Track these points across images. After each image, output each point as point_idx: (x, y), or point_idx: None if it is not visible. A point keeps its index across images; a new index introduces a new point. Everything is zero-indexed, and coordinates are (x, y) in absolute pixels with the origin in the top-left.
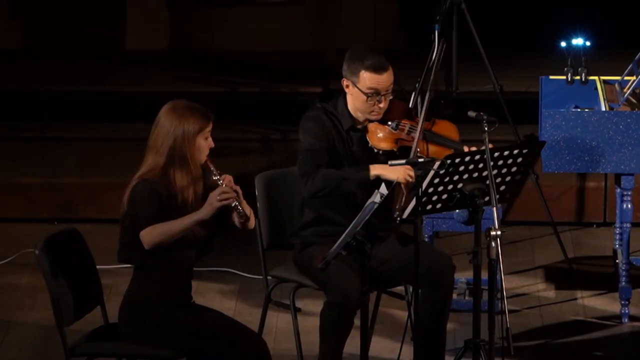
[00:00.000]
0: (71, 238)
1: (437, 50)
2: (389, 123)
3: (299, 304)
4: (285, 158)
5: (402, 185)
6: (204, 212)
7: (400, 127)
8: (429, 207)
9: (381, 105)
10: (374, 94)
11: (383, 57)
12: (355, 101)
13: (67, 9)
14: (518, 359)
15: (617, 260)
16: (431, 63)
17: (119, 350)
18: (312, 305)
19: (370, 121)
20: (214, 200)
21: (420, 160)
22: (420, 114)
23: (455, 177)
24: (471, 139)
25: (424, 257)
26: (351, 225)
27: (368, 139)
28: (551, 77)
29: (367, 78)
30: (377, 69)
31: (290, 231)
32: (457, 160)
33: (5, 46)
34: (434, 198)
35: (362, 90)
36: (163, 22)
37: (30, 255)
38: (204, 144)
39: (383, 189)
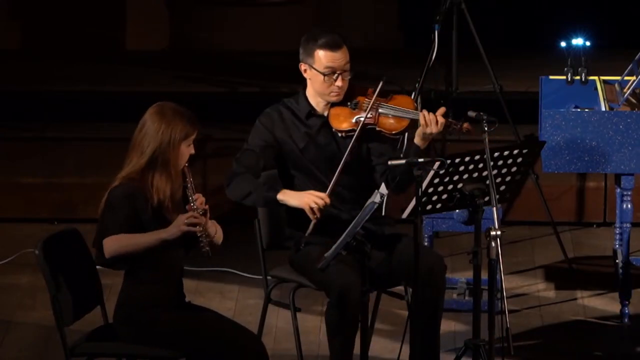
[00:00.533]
0: (71, 238)
1: (436, 52)
2: (348, 104)
3: (298, 303)
4: None
5: (308, 212)
6: (170, 232)
7: (358, 105)
8: (429, 207)
9: (339, 84)
10: (331, 72)
11: (337, 36)
12: (314, 84)
13: (67, 9)
14: (518, 359)
15: (617, 260)
16: (431, 63)
17: (118, 350)
18: (312, 305)
19: (332, 106)
20: (181, 224)
21: (420, 160)
22: (377, 89)
23: (455, 177)
24: (471, 138)
25: (413, 256)
26: (351, 225)
27: (330, 124)
28: (551, 77)
29: (322, 57)
30: (331, 47)
31: (282, 236)
32: (457, 160)
33: (5, 46)
34: (434, 198)
35: (318, 70)
36: (163, 22)
37: (30, 255)
38: (186, 151)
39: (383, 189)
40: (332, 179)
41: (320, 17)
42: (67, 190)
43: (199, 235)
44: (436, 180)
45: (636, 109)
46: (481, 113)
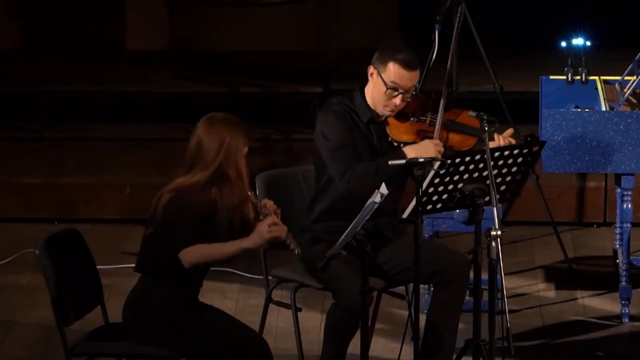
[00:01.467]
0: (71, 238)
1: (436, 52)
2: (410, 116)
3: (299, 303)
4: (286, 158)
5: (434, 154)
6: (253, 241)
7: (422, 118)
8: (429, 207)
9: (397, 102)
10: (394, 88)
11: (415, 57)
12: (374, 90)
13: (67, 8)
14: (518, 359)
15: (617, 260)
16: (431, 63)
17: (119, 350)
18: (313, 305)
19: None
20: (264, 232)
21: (421, 160)
22: (441, 103)
23: (456, 177)
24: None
25: (438, 255)
26: (351, 225)
27: (389, 133)
28: (551, 77)
29: (394, 71)
30: (406, 66)
31: (298, 226)
32: (457, 160)
33: (5, 46)
34: (434, 198)
35: (385, 81)
36: (163, 22)
37: (30, 255)
38: (244, 161)
39: (383, 189)
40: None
41: (320, 17)
42: (67, 190)
43: (284, 239)
44: (436, 180)
45: (636, 109)
46: (481, 113)
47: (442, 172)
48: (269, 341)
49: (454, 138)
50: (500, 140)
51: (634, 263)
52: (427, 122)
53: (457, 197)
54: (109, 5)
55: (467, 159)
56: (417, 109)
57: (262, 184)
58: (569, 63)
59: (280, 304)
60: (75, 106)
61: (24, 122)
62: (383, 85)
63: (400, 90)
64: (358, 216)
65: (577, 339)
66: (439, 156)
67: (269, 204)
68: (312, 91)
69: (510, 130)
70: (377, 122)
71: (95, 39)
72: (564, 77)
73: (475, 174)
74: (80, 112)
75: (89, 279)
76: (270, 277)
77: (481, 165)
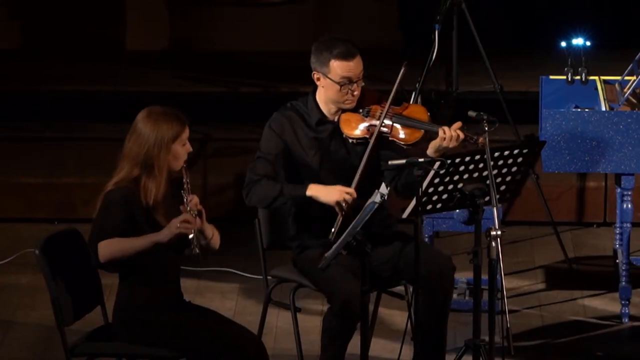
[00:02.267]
0: (71, 238)
1: (436, 52)
2: (360, 111)
3: (299, 303)
4: None
5: (336, 208)
6: (162, 235)
7: (370, 113)
8: (429, 207)
9: (355, 93)
10: (347, 82)
11: (350, 44)
12: (327, 93)
13: (67, 8)
14: (518, 359)
15: (617, 260)
16: (431, 63)
17: (118, 350)
18: (312, 305)
19: (343, 111)
20: (173, 226)
21: (421, 160)
22: (390, 97)
23: (456, 177)
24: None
25: (423, 258)
26: (351, 225)
27: (341, 129)
28: (551, 77)
29: (337, 67)
30: (346, 56)
31: (285, 236)
32: (458, 160)
33: (5, 46)
34: (434, 198)
35: (334, 80)
36: (163, 22)
37: (30, 255)
38: (181, 150)
39: (383, 189)
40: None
41: (320, 17)
42: (67, 190)
43: (190, 237)
44: (436, 180)
45: (636, 109)
46: (481, 113)
47: (442, 172)
48: (268, 341)
49: (400, 131)
50: (447, 131)
51: (634, 263)
52: (377, 116)
53: (457, 197)
54: (109, 5)
55: (467, 159)
56: (367, 103)
57: None
58: (569, 63)
59: (279, 304)
60: (75, 106)
61: (24, 122)
62: (335, 85)
63: (354, 80)
64: (358, 216)
65: (577, 339)
66: (343, 204)
67: (195, 201)
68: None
69: (458, 123)
70: (326, 122)
71: (95, 39)
72: (564, 77)
73: (475, 174)
74: (80, 112)
75: (89, 279)
76: (269, 277)
77: (481, 165)
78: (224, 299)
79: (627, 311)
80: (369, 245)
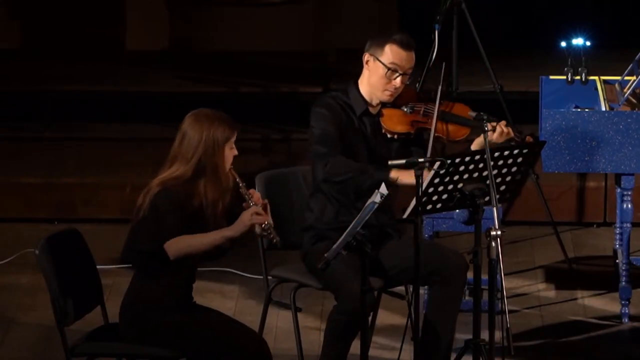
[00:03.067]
0: (71, 238)
1: (436, 52)
2: (403, 107)
3: (299, 303)
4: (286, 158)
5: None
6: (235, 229)
7: (415, 109)
8: (429, 207)
9: (397, 84)
10: (395, 70)
11: (411, 39)
12: (372, 77)
13: (67, 8)
14: (518, 359)
15: (617, 260)
16: (431, 63)
17: (119, 350)
18: (313, 305)
19: (384, 106)
20: (246, 219)
21: (421, 160)
22: (437, 95)
23: (456, 177)
24: (471, 139)
25: (436, 255)
26: (351, 225)
27: (382, 124)
28: (551, 77)
29: (392, 52)
30: (404, 45)
31: (301, 226)
32: (457, 160)
33: (5, 46)
34: (434, 198)
35: (384, 63)
36: (163, 22)
37: (30, 255)
38: (230, 153)
39: (383, 189)
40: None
41: (320, 17)
42: (67, 190)
43: (265, 228)
44: (436, 180)
45: (636, 109)
46: (481, 113)
47: (442, 172)
48: (269, 341)
49: (450, 128)
50: (497, 127)
51: (634, 263)
52: (421, 112)
53: (457, 197)
54: (109, 5)
55: (467, 159)
56: (409, 100)
57: (262, 184)
58: (569, 63)
59: (280, 304)
60: (75, 106)
61: (24, 122)
62: (382, 68)
63: (400, 71)
64: (358, 216)
65: (577, 339)
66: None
67: (256, 195)
68: (312, 91)
69: (504, 121)
70: (371, 115)
71: (95, 39)
72: (564, 77)
73: (475, 174)
74: (80, 112)
75: (89, 279)
76: (270, 277)
77: (481, 165)
78: (224, 299)
79: (627, 311)
80: (369, 245)
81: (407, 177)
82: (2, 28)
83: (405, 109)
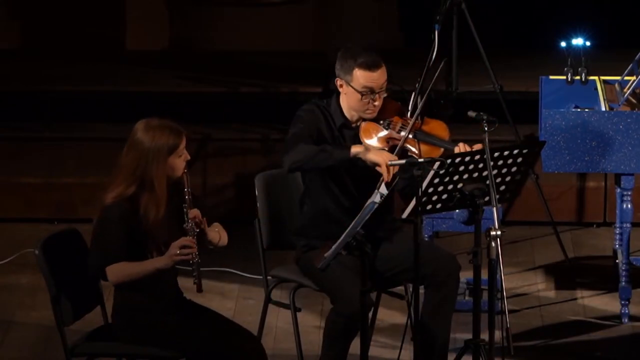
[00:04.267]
0: (71, 238)
1: (436, 52)
2: (381, 122)
3: (298, 303)
4: None
5: (383, 173)
6: (163, 262)
7: (391, 126)
8: (429, 207)
9: (376, 103)
10: (369, 92)
11: (375, 55)
12: (349, 100)
13: (67, 9)
14: (518, 359)
15: (617, 260)
16: (431, 63)
17: (119, 350)
18: (312, 305)
19: (364, 120)
20: (173, 253)
21: (420, 160)
22: (415, 113)
23: (455, 177)
24: (471, 138)
25: (430, 258)
26: (351, 225)
27: (360, 138)
28: (551, 77)
29: (360, 76)
30: (370, 67)
31: (292, 229)
32: (457, 160)
33: (5, 46)
34: (434, 198)
35: (356, 89)
36: (163, 22)
37: (30, 255)
38: (178, 162)
39: (383, 189)
40: (349, 190)
41: (320, 17)
42: (67, 190)
43: (191, 263)
44: (436, 180)
45: (636, 109)
46: (481, 113)
47: (442, 172)
48: (268, 341)
49: (422, 148)
50: (462, 148)
51: (634, 263)
52: (397, 129)
53: (457, 197)
54: (109, 5)
55: (467, 159)
56: (388, 115)
57: (262, 184)
58: (569, 63)
59: (279, 304)
60: (75, 106)
61: (24, 122)
62: (356, 94)
63: (376, 91)
64: (358, 216)
65: (577, 339)
66: (385, 169)
67: (194, 215)
68: (312, 91)
69: (479, 145)
70: (350, 127)
71: (95, 39)
72: (564, 77)
73: (475, 174)
74: (80, 112)
75: (89, 279)
76: (269, 278)
77: (481, 165)
78: (224, 299)
79: (627, 311)
80: (368, 245)
81: (371, 154)
82: (2, 28)
83: (383, 124)
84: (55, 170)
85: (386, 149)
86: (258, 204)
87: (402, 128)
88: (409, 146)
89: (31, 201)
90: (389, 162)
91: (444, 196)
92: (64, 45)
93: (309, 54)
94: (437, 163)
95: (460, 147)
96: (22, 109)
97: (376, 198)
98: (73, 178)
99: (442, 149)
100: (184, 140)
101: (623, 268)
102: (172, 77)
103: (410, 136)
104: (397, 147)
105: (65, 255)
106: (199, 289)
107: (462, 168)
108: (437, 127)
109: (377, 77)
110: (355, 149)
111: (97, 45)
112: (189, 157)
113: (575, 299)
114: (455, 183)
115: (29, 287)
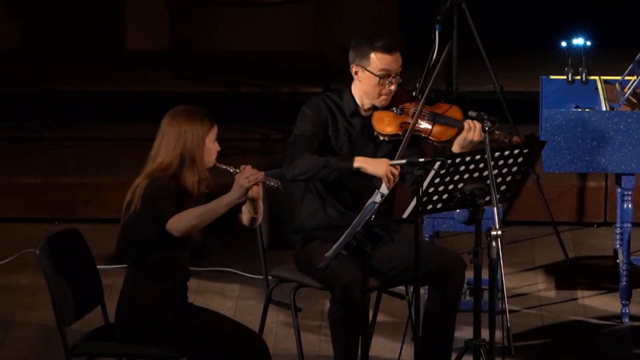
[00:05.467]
0: (71, 238)
1: (437, 52)
2: (393, 109)
3: (299, 303)
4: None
5: (384, 182)
6: (234, 193)
7: (405, 111)
8: (430, 206)
9: (392, 87)
10: (386, 75)
11: (391, 38)
12: (364, 86)
13: (67, 9)
14: (518, 359)
15: (617, 260)
16: (431, 63)
17: (119, 350)
18: (313, 305)
19: (375, 109)
20: (242, 181)
21: (421, 160)
22: (425, 92)
23: (456, 177)
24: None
25: (434, 254)
26: (352, 225)
27: (373, 126)
28: (551, 77)
29: (378, 59)
30: (388, 50)
31: (291, 228)
32: (458, 160)
33: (5, 46)
34: (435, 198)
35: (373, 72)
36: (163, 22)
37: (30, 255)
38: (212, 147)
39: (383, 189)
40: (359, 180)
41: (320, 17)
42: (67, 190)
43: (263, 181)
44: (437, 180)
45: (637, 109)
46: (481, 113)
47: (442, 172)
48: (268, 341)
49: (435, 129)
50: (471, 123)
51: (634, 263)
52: (410, 114)
53: (457, 197)
54: (109, 5)
55: (467, 158)
56: (399, 102)
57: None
58: (569, 63)
59: (280, 304)
60: (75, 106)
61: (24, 122)
62: (373, 77)
63: (392, 75)
64: (358, 216)
65: (577, 339)
66: (386, 179)
67: (248, 167)
68: (312, 91)
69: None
70: (360, 115)
71: (95, 39)
72: (564, 77)
73: (476, 174)
74: (80, 112)
75: (89, 279)
76: (270, 277)
77: (481, 165)
78: (224, 299)
79: (627, 311)
80: (369, 245)
81: (372, 167)
82: (2, 28)
83: (395, 111)
84: (55, 170)
85: (400, 133)
86: None
87: (416, 112)
88: (422, 124)
89: (31, 201)
90: (391, 162)
91: (445, 196)
92: (64, 45)
93: (309, 54)
94: (438, 163)
95: (469, 122)
96: (22, 109)
97: (376, 198)
98: (73, 178)
99: (455, 128)
100: (215, 126)
101: (623, 268)
102: (172, 77)
103: (423, 120)
104: (410, 126)
105: (66, 255)
106: (283, 188)
107: (462, 168)
108: (450, 110)
109: (393, 61)
110: (357, 164)
111: (97, 45)
112: (219, 148)
113: (576, 299)
114: (456, 183)
115: (29, 287)
